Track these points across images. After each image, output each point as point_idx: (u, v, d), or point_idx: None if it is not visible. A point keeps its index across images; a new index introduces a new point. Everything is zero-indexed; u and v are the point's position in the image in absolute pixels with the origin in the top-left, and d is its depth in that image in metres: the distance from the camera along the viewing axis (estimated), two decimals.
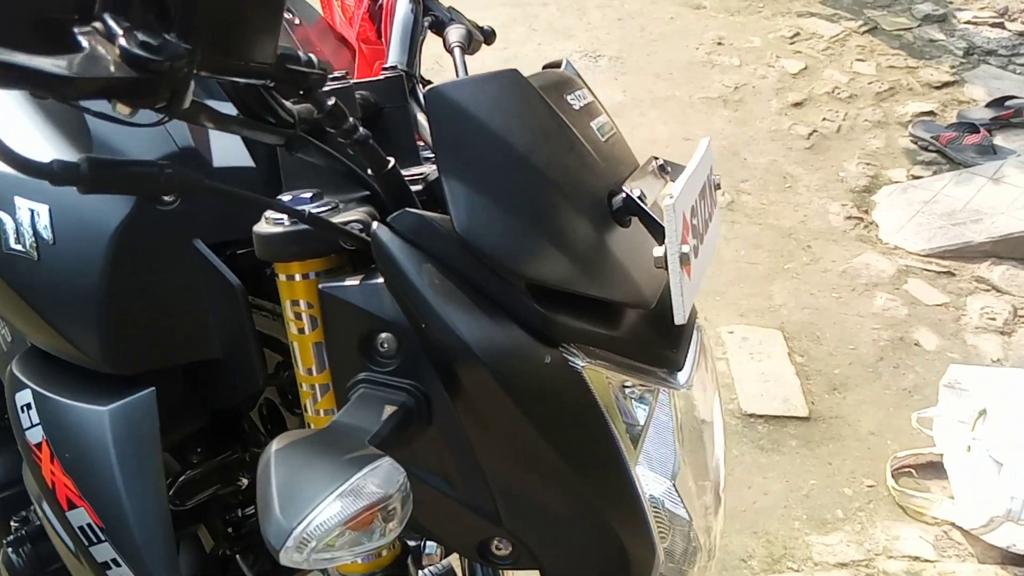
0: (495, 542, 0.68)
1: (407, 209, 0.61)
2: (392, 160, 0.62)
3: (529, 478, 0.63)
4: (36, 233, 0.77)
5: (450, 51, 0.91)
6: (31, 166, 0.47)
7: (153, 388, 0.79)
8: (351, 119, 0.59)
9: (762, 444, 1.95)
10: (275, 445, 0.53)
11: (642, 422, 0.66)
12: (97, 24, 0.44)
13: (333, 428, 0.56)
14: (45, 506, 0.82)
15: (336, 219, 0.63)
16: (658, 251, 0.59)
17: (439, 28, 0.94)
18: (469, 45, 0.92)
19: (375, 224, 0.61)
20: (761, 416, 2.02)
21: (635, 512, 0.66)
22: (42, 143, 0.80)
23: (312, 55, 0.57)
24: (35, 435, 0.80)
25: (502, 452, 0.63)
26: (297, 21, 0.97)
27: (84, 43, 0.44)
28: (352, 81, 0.70)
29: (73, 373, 0.82)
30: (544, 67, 0.81)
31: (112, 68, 0.44)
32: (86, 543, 0.78)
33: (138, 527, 0.76)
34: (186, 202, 0.70)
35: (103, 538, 0.77)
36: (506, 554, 0.68)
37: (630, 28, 3.52)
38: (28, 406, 0.81)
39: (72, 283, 0.77)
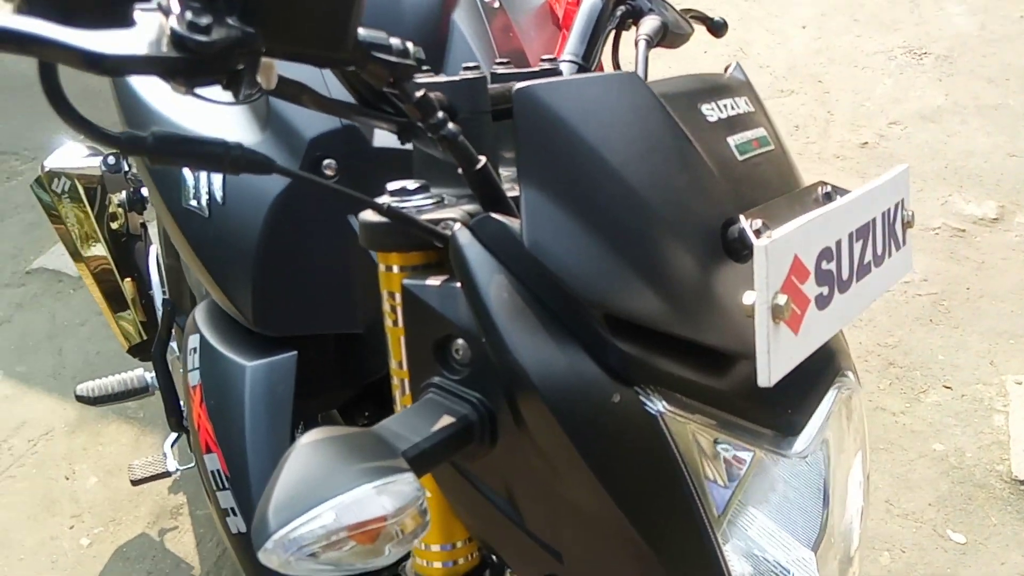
0: None
1: (490, 214, 0.57)
2: (483, 160, 0.58)
3: (590, 527, 0.58)
4: (211, 192, 0.82)
5: (636, 44, 0.84)
6: (104, 135, 0.48)
7: (295, 352, 0.83)
8: (440, 113, 0.56)
9: None
10: (304, 439, 0.52)
11: (733, 486, 0.58)
12: (161, 1, 0.45)
13: (372, 432, 0.54)
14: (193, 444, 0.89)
15: (433, 215, 0.60)
16: (747, 298, 0.50)
17: (636, 18, 0.87)
18: (663, 38, 0.85)
19: (456, 225, 0.57)
20: None
21: None
22: (231, 120, 0.85)
23: (409, 43, 0.55)
24: (194, 378, 0.86)
25: (563, 492, 0.58)
26: (496, 5, 0.95)
27: (137, 20, 0.45)
28: (420, 79, 0.66)
29: (237, 328, 0.87)
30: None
31: (160, 47, 0.44)
32: (214, 487, 0.83)
33: (255, 483, 0.79)
34: (347, 178, 0.71)
35: (226, 486, 0.81)
36: None
37: (969, 25, 3.15)
38: (195, 350, 0.88)
39: (233, 242, 0.81)
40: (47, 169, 1.61)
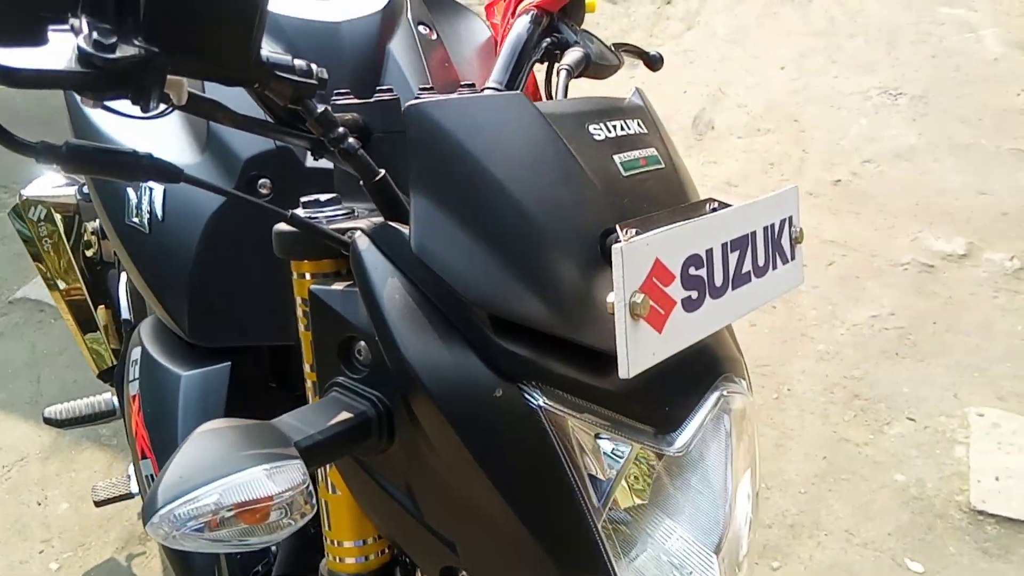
0: (461, 573, 0.66)
1: (388, 223, 0.61)
2: (382, 172, 0.62)
3: (479, 518, 0.61)
4: (152, 210, 0.86)
5: (558, 73, 0.89)
6: (21, 145, 0.53)
7: (229, 363, 0.86)
8: (340, 129, 0.60)
9: (987, 548, 1.70)
10: (203, 427, 0.55)
11: (612, 478, 0.61)
12: (74, 22, 0.49)
13: (270, 424, 0.57)
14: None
15: (341, 225, 0.64)
16: (610, 297, 0.54)
17: (561, 49, 0.92)
18: (586, 68, 0.89)
19: (357, 233, 0.61)
20: (993, 516, 1.76)
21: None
22: (173, 141, 0.90)
23: (313, 65, 0.59)
24: (133, 388, 0.89)
25: (454, 484, 0.60)
26: (434, 37, 1.00)
27: (50, 39, 0.49)
28: (337, 101, 0.70)
29: (176, 342, 0.90)
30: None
31: (71, 64, 0.48)
32: (147, 491, 0.85)
33: None
34: (280, 196, 0.75)
35: None
36: None
37: (943, 67, 3.21)
38: (136, 362, 0.91)
39: (171, 257, 0.85)
40: (24, 197, 1.65)
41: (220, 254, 0.83)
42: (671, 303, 0.57)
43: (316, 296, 0.63)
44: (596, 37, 0.95)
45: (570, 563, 0.60)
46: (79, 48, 0.48)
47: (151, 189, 0.86)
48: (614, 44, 1.02)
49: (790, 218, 0.72)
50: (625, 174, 0.65)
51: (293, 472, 0.53)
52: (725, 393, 0.67)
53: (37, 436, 2.10)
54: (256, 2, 0.53)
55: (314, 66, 0.60)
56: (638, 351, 0.54)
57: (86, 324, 1.67)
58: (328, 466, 0.70)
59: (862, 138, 2.92)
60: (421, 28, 0.97)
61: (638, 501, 0.64)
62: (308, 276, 0.67)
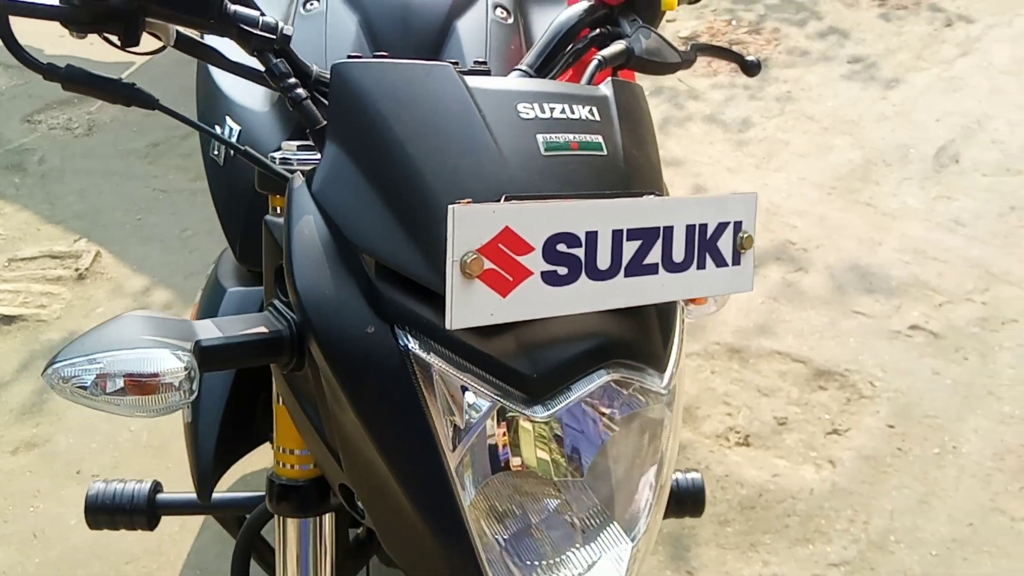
0: (355, 494, 0.72)
1: (319, 167, 0.69)
2: (324, 122, 0.70)
3: (353, 440, 0.67)
4: (226, 149, 1.00)
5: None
6: (33, 63, 0.67)
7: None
8: (292, 80, 0.69)
9: None
10: (133, 312, 0.67)
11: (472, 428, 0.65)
12: None
13: (188, 321, 0.68)
14: None
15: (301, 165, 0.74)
16: None
17: (609, 42, 0.94)
18: (627, 62, 0.91)
19: (296, 173, 0.70)
20: None
21: (452, 520, 0.65)
22: (257, 97, 1.03)
23: (277, 21, 0.69)
24: (197, 297, 1.05)
25: (334, 408, 0.68)
26: (510, 21, 1.05)
27: None
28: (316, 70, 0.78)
29: (235, 266, 1.04)
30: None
31: (61, 2, 0.63)
32: None
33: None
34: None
35: None
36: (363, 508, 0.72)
37: None
38: (206, 278, 1.06)
39: (234, 188, 0.99)
40: None
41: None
42: (525, 272, 0.61)
43: (267, 225, 0.73)
44: (659, 35, 0.97)
45: (421, 494, 0.65)
46: None
47: (231, 127, 1.00)
48: (694, 44, 1.02)
49: (739, 223, 0.71)
50: (544, 153, 0.68)
51: (178, 361, 0.62)
52: (618, 377, 0.68)
53: None
54: None
55: (283, 25, 0.69)
56: (469, 308, 0.59)
57: None
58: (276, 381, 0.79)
59: None
60: (498, 11, 1.04)
61: (519, 460, 0.67)
62: (278, 210, 0.77)
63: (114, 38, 0.67)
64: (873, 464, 1.92)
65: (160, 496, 1.08)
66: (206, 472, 0.94)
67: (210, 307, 1.00)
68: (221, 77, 1.05)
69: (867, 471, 1.90)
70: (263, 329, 0.69)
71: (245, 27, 0.68)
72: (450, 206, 0.57)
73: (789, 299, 2.37)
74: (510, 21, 1.05)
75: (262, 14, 0.68)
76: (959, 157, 2.87)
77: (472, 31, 1.00)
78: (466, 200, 0.60)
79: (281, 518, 0.84)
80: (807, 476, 1.90)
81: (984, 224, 2.57)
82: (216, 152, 1.03)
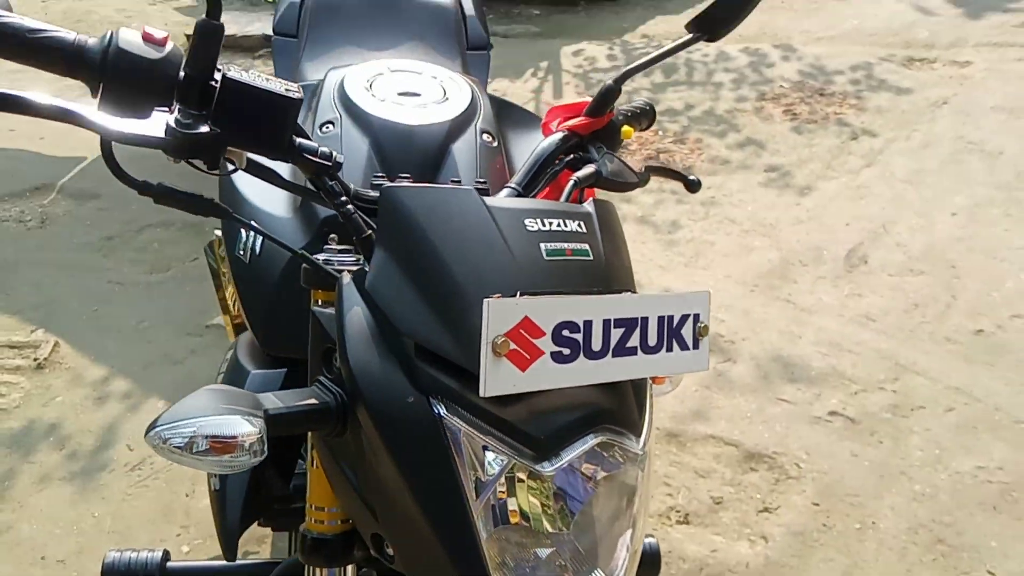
0: (386, 541, 0.86)
1: (366, 269, 0.85)
2: (369, 232, 0.87)
3: (391, 493, 0.81)
4: (252, 246, 1.15)
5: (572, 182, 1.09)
6: (132, 182, 0.82)
7: (285, 369, 1.13)
8: (343, 198, 0.86)
9: None
10: (210, 386, 0.81)
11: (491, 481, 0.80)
12: (172, 107, 0.79)
13: (254, 394, 0.82)
14: None
15: (348, 267, 0.90)
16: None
17: (581, 165, 1.12)
18: (596, 182, 1.10)
19: (344, 273, 0.86)
20: None
21: (473, 556, 0.79)
22: (280, 201, 1.19)
23: (335, 152, 0.86)
24: (219, 379, 1.18)
25: (377, 466, 0.82)
26: (495, 144, 1.24)
27: (153, 116, 0.79)
28: (354, 189, 0.94)
29: (256, 349, 1.18)
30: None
31: (160, 132, 0.78)
32: None
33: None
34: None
35: None
36: (392, 555, 0.86)
37: None
38: (226, 360, 1.20)
39: (258, 283, 1.14)
40: (216, 234, 2.03)
41: (290, 286, 1.10)
42: (538, 352, 0.77)
43: (315, 315, 0.88)
44: (620, 159, 1.16)
45: (449, 535, 0.79)
46: (169, 124, 0.77)
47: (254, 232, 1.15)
48: (647, 166, 1.22)
49: (696, 315, 0.89)
50: (547, 258, 0.85)
51: (253, 426, 0.76)
52: (604, 440, 0.84)
53: None
54: (287, 109, 0.80)
55: (336, 154, 0.86)
56: (498, 380, 0.75)
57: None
58: (311, 446, 0.93)
59: (1017, 293, 2.89)
60: (484, 136, 1.22)
61: (524, 510, 0.82)
62: (320, 302, 0.92)
63: (199, 163, 0.83)
64: (802, 539, 2.09)
65: (170, 564, 1.19)
66: (232, 534, 1.06)
67: (234, 386, 1.13)
68: (245, 187, 1.20)
69: (796, 545, 2.07)
70: (314, 401, 0.83)
71: (307, 155, 0.84)
72: (485, 299, 0.74)
73: (720, 387, 2.57)
74: (495, 144, 1.24)
75: (319, 145, 0.85)
76: (867, 258, 3.16)
77: (465, 153, 1.18)
78: (496, 295, 0.76)
79: (312, 568, 0.97)
80: (743, 551, 2.06)
81: (891, 319, 2.84)
82: (242, 252, 1.17)
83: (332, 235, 1.09)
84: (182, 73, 0.78)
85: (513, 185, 1.05)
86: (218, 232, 2.04)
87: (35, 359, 2.77)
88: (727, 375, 2.62)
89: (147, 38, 0.77)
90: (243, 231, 1.19)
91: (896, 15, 5.41)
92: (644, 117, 1.30)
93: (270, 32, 1.95)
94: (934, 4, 5.52)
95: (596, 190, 1.19)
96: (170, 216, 3.45)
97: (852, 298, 2.96)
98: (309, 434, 0.97)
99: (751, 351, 2.72)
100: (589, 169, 1.09)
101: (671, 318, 0.87)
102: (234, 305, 1.94)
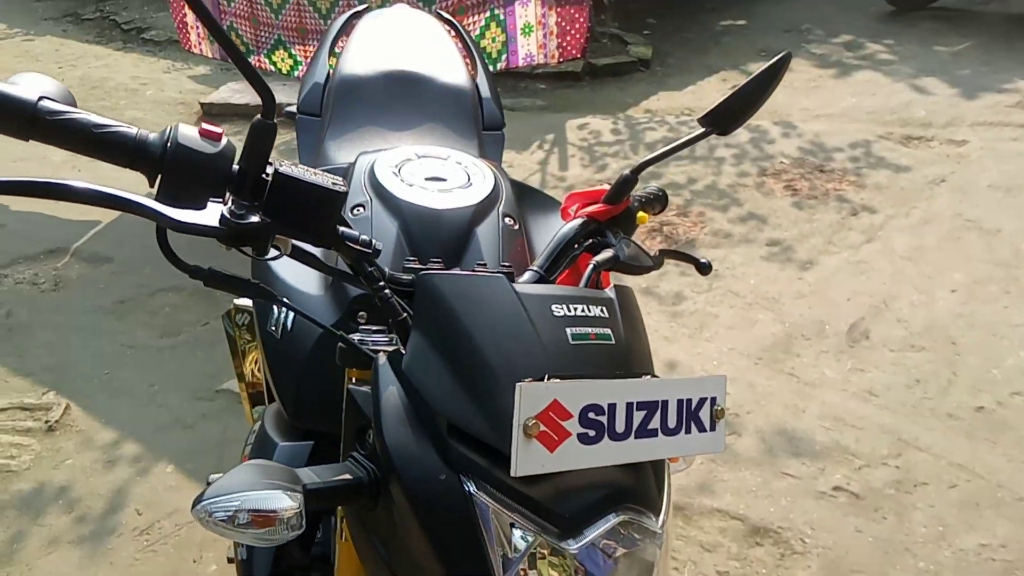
0: None
1: (401, 350, 0.90)
2: (405, 314, 0.92)
3: (424, 567, 0.85)
4: (284, 322, 1.20)
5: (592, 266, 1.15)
6: (185, 267, 0.88)
7: (312, 442, 1.17)
8: (381, 283, 0.91)
9: None
10: (251, 460, 0.85)
11: (518, 558, 0.84)
12: (225, 198, 0.84)
13: (293, 469, 0.86)
14: None
15: (383, 347, 0.95)
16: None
17: (600, 249, 1.18)
18: (614, 266, 1.15)
19: (380, 354, 0.91)
20: None
21: None
22: (311, 280, 1.24)
23: (373, 240, 0.91)
24: (247, 451, 1.22)
25: (410, 540, 0.86)
26: (516, 227, 1.30)
27: (208, 207, 0.84)
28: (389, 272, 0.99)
29: (283, 421, 1.22)
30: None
31: (214, 221, 0.83)
32: None
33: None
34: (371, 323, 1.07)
35: None
36: None
37: None
38: (253, 432, 1.24)
39: (289, 358, 1.18)
40: (234, 304, 2.09)
41: (319, 362, 1.15)
42: (566, 434, 0.81)
43: (350, 393, 0.93)
44: (636, 243, 1.22)
45: None
46: (223, 214, 0.83)
47: (287, 309, 1.20)
48: (660, 250, 1.28)
49: (713, 398, 0.94)
50: (572, 342, 0.90)
51: (292, 501, 0.81)
52: (626, 518, 0.88)
53: None
54: (333, 201, 0.86)
55: (376, 242, 0.92)
56: (528, 460, 0.79)
57: (258, 413, 2.06)
58: (342, 520, 0.97)
59: (1017, 370, 2.93)
60: (507, 220, 1.28)
61: None
62: (354, 380, 0.97)
63: (248, 249, 0.88)
64: None
65: None
66: None
67: (262, 458, 1.17)
68: (278, 265, 1.26)
69: None
70: (349, 476, 0.88)
71: (349, 243, 0.90)
72: (517, 384, 0.79)
73: (725, 460, 2.60)
74: (516, 227, 1.30)
75: (360, 234, 0.91)
76: (869, 333, 3.20)
77: (489, 236, 1.24)
78: (527, 379, 0.81)
79: None
80: None
81: (894, 395, 2.87)
82: (273, 327, 1.22)
83: (362, 312, 1.14)
84: (236, 166, 0.84)
85: (536, 268, 1.11)
86: (236, 301, 2.09)
87: (46, 421, 2.80)
88: (732, 448, 2.64)
89: (204, 133, 0.83)
90: (275, 307, 1.24)
91: (893, 94, 5.54)
92: (657, 202, 1.36)
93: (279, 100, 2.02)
94: (930, 83, 5.66)
95: (613, 272, 1.24)
96: (182, 281, 3.49)
97: (855, 373, 3.00)
98: (339, 508, 1.01)
99: (756, 424, 2.76)
100: (608, 254, 1.14)
101: (689, 401, 0.91)
102: (252, 374, 1.99)
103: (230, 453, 2.69)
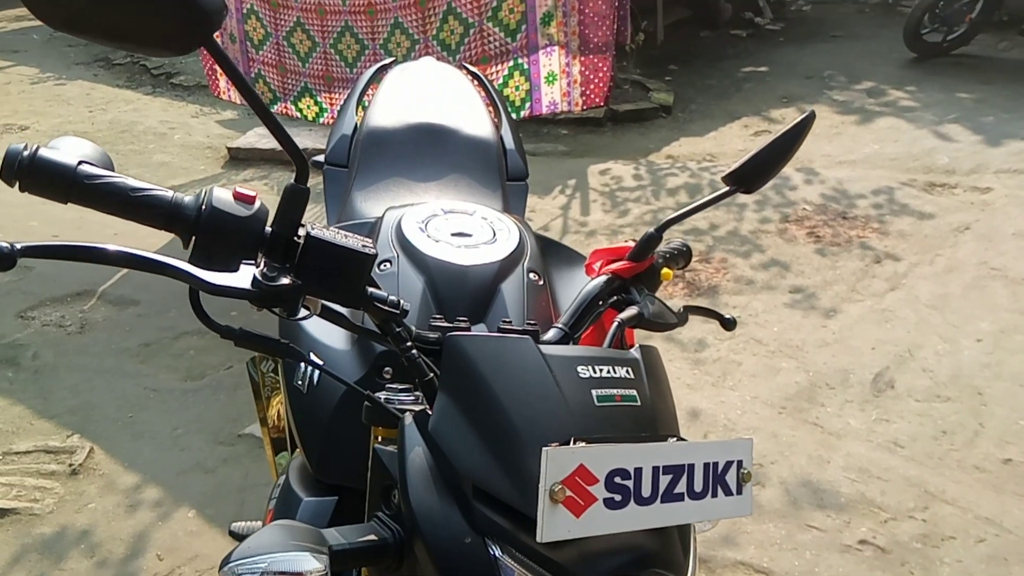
0: None
1: (427, 411, 0.91)
2: (432, 374, 0.92)
3: None
4: (310, 378, 1.21)
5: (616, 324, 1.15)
6: (217, 328, 0.89)
7: (336, 497, 1.17)
8: (408, 341, 0.92)
9: None
10: (278, 520, 0.86)
11: None
12: (258, 260, 0.86)
13: (320, 530, 0.87)
14: None
15: (408, 407, 0.95)
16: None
17: (625, 306, 1.19)
18: (639, 323, 1.16)
19: (407, 414, 0.91)
20: None
21: None
22: (337, 337, 1.25)
23: (401, 300, 0.92)
24: (271, 504, 1.22)
25: None
26: (541, 283, 1.31)
27: (240, 269, 0.86)
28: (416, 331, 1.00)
29: (308, 475, 1.23)
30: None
31: (246, 283, 0.85)
32: None
33: None
34: (399, 381, 1.08)
35: None
36: None
37: None
38: (278, 486, 1.24)
39: (315, 413, 1.19)
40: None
41: (345, 418, 1.16)
42: (592, 498, 0.81)
43: (376, 452, 0.93)
44: (660, 300, 1.22)
45: None
46: (255, 276, 0.84)
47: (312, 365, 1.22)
48: (685, 306, 1.28)
49: (740, 461, 0.94)
50: (597, 404, 0.90)
51: (318, 563, 0.81)
52: None
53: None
54: (363, 264, 0.87)
55: (403, 302, 0.93)
56: (554, 526, 0.79)
57: (280, 460, 2.06)
58: None
59: None
60: (531, 275, 1.29)
61: None
62: (380, 439, 0.98)
63: (279, 309, 0.90)
64: None
65: None
66: None
67: (286, 512, 1.18)
68: (305, 322, 1.27)
69: None
70: (374, 537, 0.88)
71: (378, 304, 0.91)
72: (544, 448, 0.79)
73: (749, 515, 2.56)
74: (541, 283, 1.31)
75: (388, 295, 0.92)
76: (894, 383, 3.18)
77: (513, 292, 1.25)
78: (554, 444, 0.81)
79: None
80: None
81: (919, 446, 2.84)
82: (300, 382, 1.23)
83: (387, 368, 1.15)
84: (268, 229, 0.85)
85: (560, 325, 1.11)
86: None
87: (70, 464, 2.82)
88: (756, 500, 2.61)
89: (238, 196, 0.85)
90: (301, 365, 1.25)
91: (916, 140, 5.54)
92: (681, 258, 1.37)
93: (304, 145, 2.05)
94: (954, 130, 5.66)
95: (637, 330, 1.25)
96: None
97: (880, 423, 2.97)
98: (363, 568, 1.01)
99: (780, 475, 2.73)
100: (632, 311, 1.15)
101: (716, 464, 0.91)
102: (275, 419, 2.00)
103: (251, 498, 2.69)
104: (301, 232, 0.86)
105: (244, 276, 0.85)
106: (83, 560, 2.46)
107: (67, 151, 0.85)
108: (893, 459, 2.79)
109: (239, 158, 5.85)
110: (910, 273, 3.96)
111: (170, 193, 0.85)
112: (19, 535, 2.53)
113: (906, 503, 2.60)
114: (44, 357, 3.49)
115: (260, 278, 0.85)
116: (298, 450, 1.28)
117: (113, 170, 0.86)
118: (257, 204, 0.85)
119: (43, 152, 0.80)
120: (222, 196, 0.85)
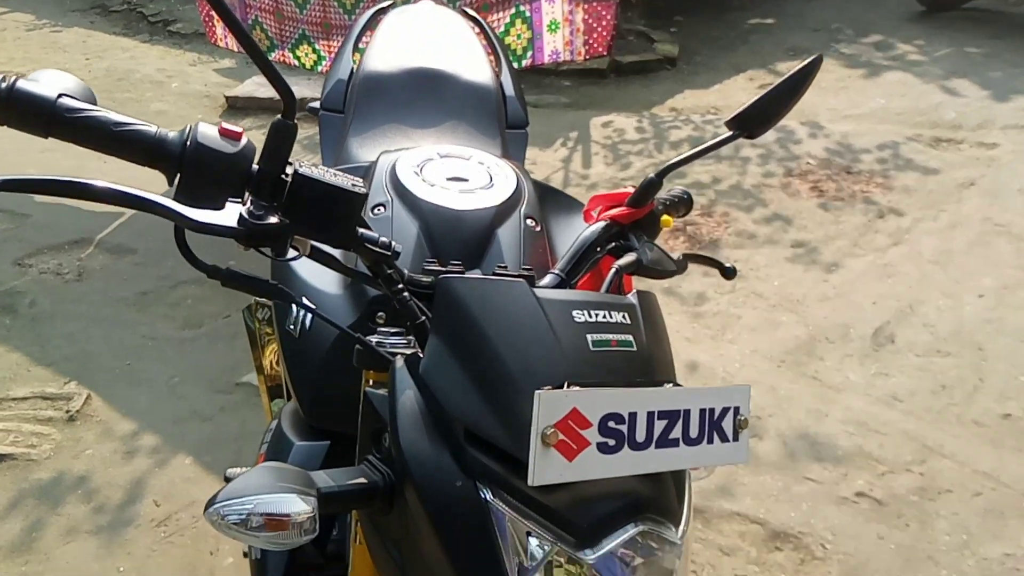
0: None
1: (419, 353, 0.89)
2: (423, 317, 0.90)
3: (435, 572, 0.84)
4: (303, 321, 1.19)
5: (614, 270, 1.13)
6: (202, 267, 0.87)
7: (328, 442, 1.16)
8: (400, 285, 0.90)
9: None
10: (268, 463, 0.84)
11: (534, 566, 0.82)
12: (244, 199, 0.83)
13: (309, 472, 0.85)
14: None
15: (401, 350, 0.93)
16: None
17: (623, 252, 1.16)
18: (637, 270, 1.13)
19: (398, 357, 0.89)
20: None
21: None
22: (330, 280, 1.23)
23: (392, 242, 0.90)
24: (262, 448, 1.21)
25: (424, 547, 0.84)
26: (538, 229, 1.28)
27: (226, 207, 0.83)
28: (408, 274, 0.97)
29: (300, 420, 1.22)
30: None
31: (232, 222, 0.82)
32: None
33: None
34: (392, 325, 1.06)
35: None
36: None
37: None
38: (270, 430, 1.23)
39: (307, 357, 1.17)
40: (255, 299, 2.08)
41: (337, 362, 1.14)
42: (585, 442, 0.80)
43: (367, 395, 0.92)
44: (659, 247, 1.20)
45: None
46: (241, 214, 0.82)
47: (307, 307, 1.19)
48: (684, 254, 1.25)
49: (737, 408, 0.92)
50: (593, 348, 0.88)
51: (306, 505, 0.79)
52: (645, 529, 0.86)
53: None
54: (353, 203, 0.84)
55: (395, 244, 0.90)
56: (546, 469, 0.77)
57: (276, 407, 2.05)
58: (356, 523, 0.96)
59: None
60: (528, 221, 1.27)
61: None
62: (371, 382, 0.96)
63: (267, 250, 0.87)
64: None
65: None
66: None
67: (278, 457, 1.17)
68: (296, 265, 1.25)
69: None
70: (363, 480, 0.86)
71: (368, 245, 0.88)
72: (536, 391, 0.77)
73: (746, 463, 2.57)
74: (538, 229, 1.28)
75: (379, 236, 0.89)
76: (894, 337, 3.16)
77: (510, 237, 1.22)
78: (547, 387, 0.80)
79: None
80: None
81: (918, 400, 2.83)
82: (292, 326, 1.21)
83: (380, 313, 1.13)
84: (255, 167, 0.83)
85: (557, 271, 1.09)
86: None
87: (67, 411, 2.82)
88: (753, 452, 2.61)
89: (224, 133, 0.82)
90: (293, 306, 1.23)
91: (923, 95, 5.47)
92: (682, 205, 1.34)
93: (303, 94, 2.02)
94: (961, 86, 5.58)
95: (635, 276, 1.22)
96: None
97: (879, 377, 2.96)
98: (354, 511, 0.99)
99: (778, 428, 2.73)
100: (630, 257, 1.13)
101: (712, 411, 0.89)
102: (271, 367, 1.99)
103: (248, 446, 2.70)
104: (289, 170, 0.83)
105: (230, 214, 0.82)
106: (80, 506, 2.46)
107: (47, 84, 0.82)
108: (892, 413, 2.78)
109: (237, 107, 5.78)
110: (913, 228, 3.93)
111: (154, 128, 0.82)
112: (16, 480, 2.54)
113: (904, 456, 2.60)
114: (41, 305, 3.47)
115: (247, 216, 0.82)
116: (292, 395, 1.27)
117: (96, 104, 0.83)
118: (244, 141, 0.83)
119: (21, 84, 0.77)
120: (208, 132, 0.82)
